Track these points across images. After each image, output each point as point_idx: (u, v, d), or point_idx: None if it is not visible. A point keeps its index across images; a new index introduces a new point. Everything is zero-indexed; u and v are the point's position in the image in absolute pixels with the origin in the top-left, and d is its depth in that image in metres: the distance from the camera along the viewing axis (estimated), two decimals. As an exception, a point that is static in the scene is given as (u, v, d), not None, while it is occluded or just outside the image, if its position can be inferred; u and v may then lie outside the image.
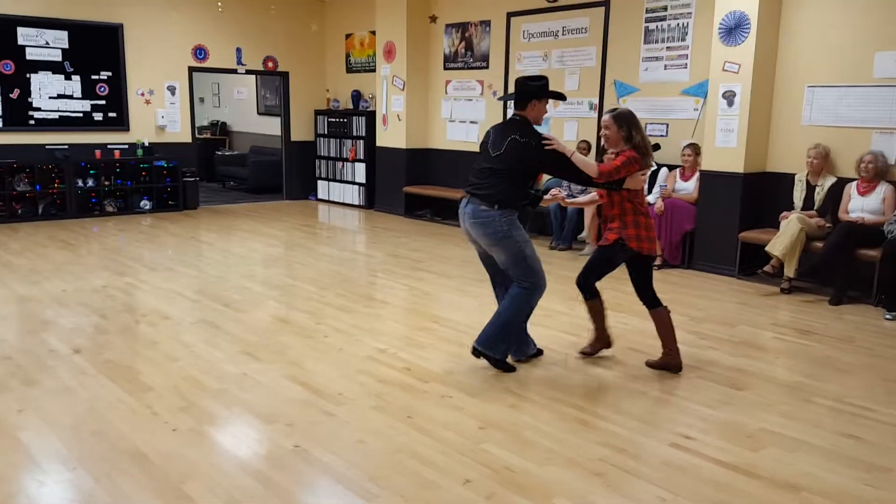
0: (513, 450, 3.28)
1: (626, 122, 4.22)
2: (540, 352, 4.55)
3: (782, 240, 6.19)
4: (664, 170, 7.58)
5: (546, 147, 4.08)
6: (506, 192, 4.08)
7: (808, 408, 3.86)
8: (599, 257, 4.41)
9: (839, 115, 6.49)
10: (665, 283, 6.70)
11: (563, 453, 3.26)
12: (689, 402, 3.89)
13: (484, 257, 4.37)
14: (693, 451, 3.31)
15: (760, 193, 6.99)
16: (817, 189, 6.44)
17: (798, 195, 6.57)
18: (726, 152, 6.91)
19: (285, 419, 3.58)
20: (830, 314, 5.75)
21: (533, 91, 4.16)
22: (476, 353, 4.24)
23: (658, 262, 7.25)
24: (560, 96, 4.49)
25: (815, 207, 6.43)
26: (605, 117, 4.30)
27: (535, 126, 4.19)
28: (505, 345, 4.25)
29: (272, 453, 3.24)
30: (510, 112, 4.43)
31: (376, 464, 3.15)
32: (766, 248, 6.31)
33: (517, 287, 4.19)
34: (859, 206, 6.15)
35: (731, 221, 6.92)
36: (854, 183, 6.24)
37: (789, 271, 6.25)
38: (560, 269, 7.11)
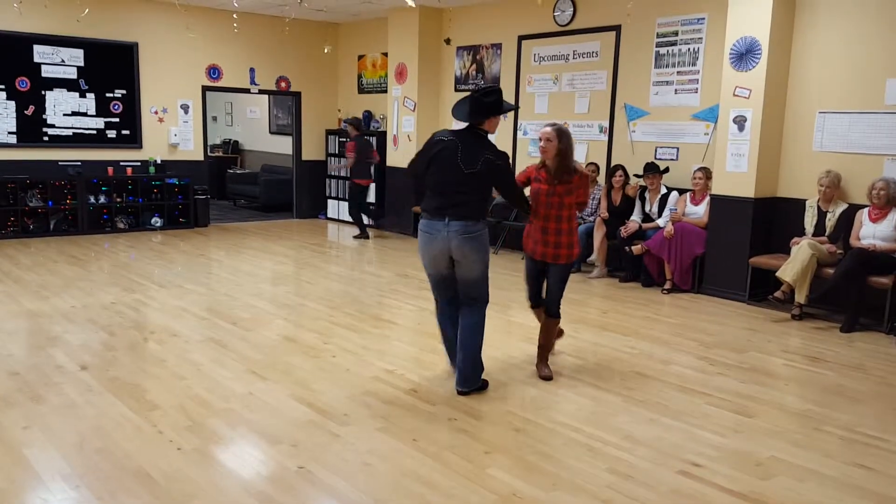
0: (519, 475, 3.25)
1: (567, 140, 4.38)
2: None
3: (793, 266, 6.16)
4: (674, 193, 7.57)
5: (509, 170, 4.26)
6: (482, 208, 4.21)
7: (818, 436, 3.81)
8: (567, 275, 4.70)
9: (850, 142, 6.48)
10: (675, 307, 6.66)
11: (570, 479, 3.23)
12: (698, 429, 3.84)
13: (442, 280, 4.32)
14: (702, 479, 3.27)
15: (771, 219, 6.96)
16: (828, 215, 6.41)
17: (809, 221, 6.54)
18: (737, 177, 6.89)
19: (290, 440, 3.56)
20: (841, 341, 5.69)
21: (492, 107, 4.18)
22: (463, 393, 4.28)
23: (668, 286, 7.23)
24: (514, 107, 4.69)
25: (826, 233, 6.40)
26: (549, 130, 4.38)
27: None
28: (481, 370, 4.34)
29: (276, 474, 3.22)
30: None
31: (381, 486, 3.12)
32: (777, 274, 6.27)
33: (471, 311, 4.26)
34: (871, 232, 6.11)
35: (741, 246, 6.89)
36: (866, 209, 6.20)
37: (800, 297, 6.20)
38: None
